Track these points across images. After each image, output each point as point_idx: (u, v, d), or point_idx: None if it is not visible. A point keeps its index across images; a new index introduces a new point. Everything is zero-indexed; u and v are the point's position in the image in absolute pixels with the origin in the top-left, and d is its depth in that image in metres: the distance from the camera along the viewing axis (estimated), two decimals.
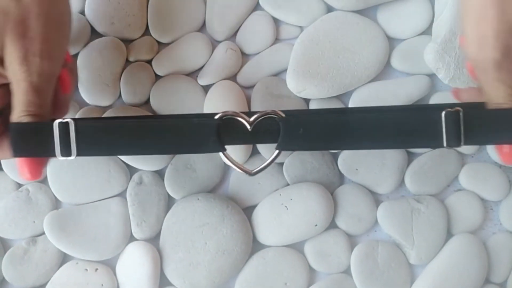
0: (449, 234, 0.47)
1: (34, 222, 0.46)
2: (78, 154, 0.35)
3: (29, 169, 0.36)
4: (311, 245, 0.46)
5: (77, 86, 0.47)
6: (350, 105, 0.48)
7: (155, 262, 0.45)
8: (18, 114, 0.35)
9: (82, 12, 0.49)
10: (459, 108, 0.34)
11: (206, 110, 0.47)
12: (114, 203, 0.47)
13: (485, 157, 0.48)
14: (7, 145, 0.36)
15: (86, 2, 0.49)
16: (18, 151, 0.35)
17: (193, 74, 0.49)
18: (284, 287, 0.45)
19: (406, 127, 0.35)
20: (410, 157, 0.48)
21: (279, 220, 0.46)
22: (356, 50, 0.47)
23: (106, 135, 0.35)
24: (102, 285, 0.45)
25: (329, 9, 0.49)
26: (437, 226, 0.46)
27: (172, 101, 0.48)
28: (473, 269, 0.45)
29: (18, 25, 0.34)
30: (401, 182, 0.47)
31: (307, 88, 0.47)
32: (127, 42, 0.49)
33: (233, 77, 0.49)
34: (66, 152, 0.35)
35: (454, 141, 0.34)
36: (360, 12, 0.49)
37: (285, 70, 0.48)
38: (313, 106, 0.48)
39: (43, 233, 0.46)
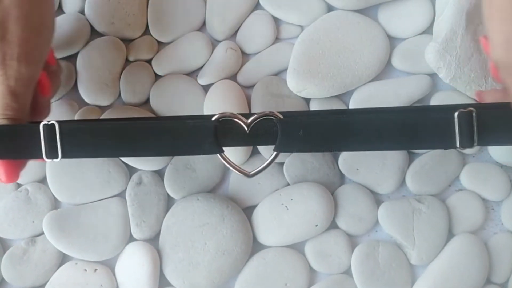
0: (450, 234, 0.46)
1: (33, 222, 0.46)
2: (64, 156, 0.35)
3: (5, 171, 0.35)
4: (312, 245, 0.46)
5: (75, 86, 0.47)
6: (350, 105, 0.48)
7: (155, 262, 0.45)
8: None
9: (82, 12, 0.49)
10: (472, 109, 0.34)
11: (206, 109, 0.47)
12: (113, 203, 0.46)
13: (486, 157, 0.48)
14: None
15: (86, 2, 0.49)
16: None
17: (193, 74, 0.49)
18: (284, 287, 0.45)
19: (416, 128, 0.34)
20: (411, 157, 0.47)
21: (279, 220, 0.45)
22: (357, 50, 0.47)
23: (92, 137, 0.35)
24: (101, 285, 0.45)
25: (330, 8, 0.49)
26: (438, 226, 0.46)
27: (172, 100, 0.47)
28: (474, 269, 0.45)
29: None
30: (402, 182, 0.47)
31: (307, 88, 0.47)
32: (127, 41, 0.49)
33: (233, 77, 0.49)
34: (52, 154, 0.35)
35: (467, 142, 0.34)
36: (360, 11, 0.49)
37: (286, 69, 0.48)
38: (313, 105, 0.48)
39: (42, 233, 0.46)
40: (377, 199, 0.47)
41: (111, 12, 0.48)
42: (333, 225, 0.46)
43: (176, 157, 0.47)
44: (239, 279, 0.46)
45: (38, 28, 0.36)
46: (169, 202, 0.47)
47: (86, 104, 0.47)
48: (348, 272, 0.46)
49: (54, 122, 0.35)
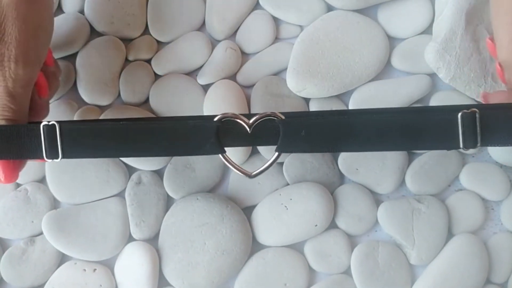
0: (449, 234, 0.46)
1: (32, 222, 0.46)
2: (64, 157, 0.35)
3: (4, 171, 0.35)
4: (311, 245, 0.46)
5: (75, 85, 0.47)
6: (350, 105, 0.48)
7: (154, 262, 0.45)
8: None
9: (82, 12, 0.49)
10: (475, 110, 0.34)
11: (206, 109, 0.47)
12: (112, 203, 0.46)
13: (486, 157, 0.48)
14: None
15: (86, 2, 0.49)
16: None
17: (192, 73, 0.49)
18: (283, 287, 0.45)
19: (418, 129, 0.34)
20: (411, 157, 0.47)
21: (279, 220, 0.45)
22: (357, 49, 0.47)
23: (93, 138, 0.35)
24: (101, 285, 0.45)
25: (329, 8, 0.49)
26: (438, 226, 0.46)
27: (171, 100, 0.47)
28: (473, 269, 0.45)
29: None
30: (402, 182, 0.47)
31: (307, 88, 0.46)
32: (127, 41, 0.49)
33: (232, 77, 0.49)
34: (53, 154, 0.35)
35: (471, 142, 0.34)
36: (360, 11, 0.49)
37: (285, 69, 0.48)
38: (313, 105, 0.48)
39: (42, 233, 0.46)
40: (376, 199, 0.47)
41: (110, 12, 0.48)
42: (332, 225, 0.46)
43: (175, 157, 0.47)
44: (238, 279, 0.45)
45: (35, 29, 0.36)
46: (168, 202, 0.47)
47: (86, 104, 0.47)
48: (347, 272, 0.46)
49: (54, 122, 0.35)
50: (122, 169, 0.47)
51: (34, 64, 0.37)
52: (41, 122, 0.35)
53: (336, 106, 0.48)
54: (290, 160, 0.47)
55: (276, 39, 0.50)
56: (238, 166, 0.38)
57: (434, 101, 0.48)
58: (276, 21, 0.50)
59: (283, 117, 0.36)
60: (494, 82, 0.46)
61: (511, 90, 0.36)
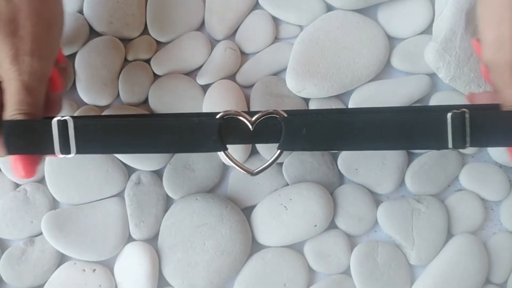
0: (449, 235, 0.46)
1: (31, 222, 0.46)
2: (78, 152, 0.35)
3: (23, 167, 0.35)
4: (311, 245, 0.46)
5: (74, 85, 0.47)
6: (350, 105, 0.48)
7: (154, 263, 0.45)
8: (11, 113, 0.35)
9: (81, 11, 0.49)
10: (465, 110, 0.34)
11: (205, 109, 0.47)
12: (112, 203, 0.46)
13: (485, 157, 0.48)
14: (0, 144, 0.36)
15: (85, 1, 0.48)
16: (11, 149, 0.35)
17: (192, 74, 0.49)
18: (283, 287, 0.45)
19: (411, 128, 0.34)
20: (411, 157, 0.47)
21: (278, 220, 0.45)
22: (356, 49, 0.47)
23: (105, 133, 0.35)
24: (100, 285, 0.45)
25: (329, 8, 0.49)
26: (437, 226, 0.46)
27: (170, 100, 0.47)
28: (473, 269, 0.45)
29: (8, 23, 0.34)
30: (401, 182, 0.47)
31: (307, 88, 0.46)
32: (126, 41, 0.48)
33: (232, 77, 0.49)
34: (65, 149, 0.35)
35: (460, 143, 0.34)
36: (360, 11, 0.49)
37: (285, 69, 0.48)
38: (312, 105, 0.48)
39: (41, 233, 0.46)
40: (376, 199, 0.47)
41: (109, 12, 0.48)
42: (332, 225, 0.46)
43: (175, 157, 0.47)
44: (238, 279, 0.45)
45: (48, 23, 0.37)
46: (168, 202, 0.47)
47: (85, 104, 0.47)
48: (347, 272, 0.46)
49: (68, 117, 0.35)
50: (121, 169, 0.47)
51: (48, 58, 0.37)
52: (53, 118, 0.35)
53: (336, 106, 0.48)
54: (290, 160, 0.47)
55: (276, 39, 0.50)
56: (240, 163, 0.38)
57: (434, 101, 0.48)
58: (275, 21, 0.50)
59: (286, 115, 0.36)
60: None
61: (497, 91, 0.36)
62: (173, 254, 0.45)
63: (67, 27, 0.48)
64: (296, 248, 0.46)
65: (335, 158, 0.47)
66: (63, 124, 0.35)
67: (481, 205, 0.47)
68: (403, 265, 0.46)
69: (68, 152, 0.35)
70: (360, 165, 0.47)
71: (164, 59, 0.48)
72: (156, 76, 0.48)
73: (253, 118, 0.36)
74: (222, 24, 0.49)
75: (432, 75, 0.48)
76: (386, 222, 0.46)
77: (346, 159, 0.47)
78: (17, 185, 0.47)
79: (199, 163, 0.47)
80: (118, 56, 0.48)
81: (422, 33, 0.49)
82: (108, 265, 0.46)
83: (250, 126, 0.36)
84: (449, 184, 0.47)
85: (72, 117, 0.35)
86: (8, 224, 0.46)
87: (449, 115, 0.34)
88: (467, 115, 0.34)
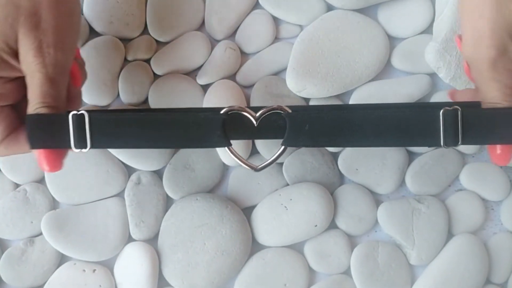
0: (449, 235, 0.46)
1: (31, 222, 0.46)
2: (93, 146, 0.35)
3: (47, 161, 0.35)
4: (311, 245, 0.46)
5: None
6: None
7: (154, 263, 0.45)
8: (35, 106, 0.35)
9: (81, 11, 0.49)
10: (457, 107, 0.34)
11: None
12: (112, 203, 0.46)
13: (486, 157, 0.48)
14: (24, 139, 0.36)
15: (85, 1, 0.48)
16: (35, 143, 0.35)
17: (192, 73, 0.49)
18: (283, 287, 0.45)
19: (405, 125, 0.34)
20: (411, 157, 0.47)
21: (278, 220, 0.45)
22: (357, 49, 0.47)
23: (118, 127, 0.35)
24: (100, 286, 0.45)
25: (329, 7, 0.49)
26: (438, 226, 0.46)
27: (170, 100, 0.47)
28: (474, 269, 0.45)
29: (30, 17, 0.34)
30: (402, 182, 0.47)
31: (307, 88, 0.46)
32: (126, 41, 0.48)
33: (232, 76, 0.49)
34: (81, 144, 0.35)
35: (452, 140, 0.34)
36: (360, 10, 0.49)
37: (285, 69, 0.48)
38: None
39: (41, 234, 0.46)
40: (376, 199, 0.47)
41: (109, 12, 0.48)
42: (332, 225, 0.46)
43: (175, 157, 0.47)
44: (238, 280, 0.45)
45: (69, 16, 0.37)
46: (168, 202, 0.47)
47: (85, 103, 0.47)
48: (347, 272, 0.46)
49: (83, 111, 0.35)
50: (121, 169, 0.47)
51: (69, 51, 0.37)
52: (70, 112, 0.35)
53: None
54: (290, 160, 0.47)
55: (276, 38, 0.50)
56: (244, 159, 0.38)
57: (434, 101, 0.47)
58: (275, 20, 0.50)
59: (290, 111, 0.36)
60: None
61: (477, 88, 0.36)
62: (173, 254, 0.45)
63: None
64: (297, 248, 0.46)
65: (335, 158, 0.47)
66: (78, 118, 0.35)
67: (481, 205, 0.47)
68: (403, 265, 0.46)
69: (84, 146, 0.35)
70: (360, 165, 0.47)
71: (164, 59, 0.48)
72: (156, 76, 0.48)
73: (257, 114, 0.36)
74: (222, 23, 0.49)
75: (433, 75, 0.48)
76: (386, 222, 0.46)
77: (347, 159, 0.47)
78: (17, 185, 0.47)
79: (199, 163, 0.47)
80: (118, 56, 0.48)
81: (422, 32, 0.49)
82: (108, 265, 0.46)
83: (254, 122, 0.36)
84: (449, 184, 0.47)
85: (88, 111, 0.35)
86: (8, 224, 0.46)
87: (441, 112, 0.34)
88: (459, 112, 0.34)
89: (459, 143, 0.34)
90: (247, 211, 0.47)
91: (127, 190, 0.46)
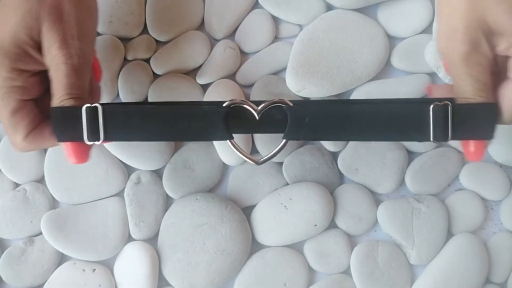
0: (449, 234, 0.46)
1: (31, 222, 0.46)
2: (106, 139, 0.35)
3: (74, 153, 0.36)
4: (311, 245, 0.46)
5: None
6: None
7: (153, 263, 0.45)
8: (60, 98, 0.35)
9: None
10: (447, 102, 0.34)
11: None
12: (112, 203, 0.46)
13: (486, 156, 0.48)
14: (48, 133, 0.36)
15: None
16: (61, 136, 0.35)
17: (191, 73, 0.49)
18: (283, 287, 0.45)
19: (397, 120, 0.35)
20: (411, 157, 0.47)
21: (278, 220, 0.45)
22: (356, 49, 0.47)
23: (129, 120, 0.36)
24: (100, 285, 0.45)
25: (329, 7, 0.49)
26: (438, 226, 0.46)
27: (170, 100, 0.47)
28: (473, 269, 0.45)
29: (53, 10, 0.35)
30: (402, 182, 0.47)
31: (306, 87, 0.46)
32: (125, 40, 0.48)
33: (232, 76, 0.49)
34: (94, 136, 0.35)
35: (442, 135, 0.34)
36: (360, 10, 0.49)
37: (285, 68, 0.48)
38: None
39: (41, 233, 0.46)
40: (376, 199, 0.47)
41: (109, 11, 0.48)
42: (332, 225, 0.46)
43: (175, 157, 0.47)
44: (238, 279, 0.45)
45: (89, 9, 0.38)
46: (168, 201, 0.47)
47: None
48: (347, 272, 0.46)
49: (97, 104, 0.35)
50: (121, 169, 0.47)
51: (91, 42, 0.38)
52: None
53: None
54: (290, 160, 0.47)
55: (276, 38, 0.49)
56: (246, 152, 0.38)
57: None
58: (275, 20, 0.49)
59: (291, 104, 0.36)
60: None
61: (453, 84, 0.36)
62: (173, 254, 0.45)
63: None
64: (296, 247, 0.46)
65: (335, 157, 0.47)
66: (92, 111, 0.35)
67: (481, 204, 0.47)
68: (403, 264, 0.46)
69: (97, 139, 0.35)
70: (360, 164, 0.47)
71: (164, 58, 0.48)
72: (155, 76, 0.48)
73: (259, 107, 0.36)
74: (221, 23, 0.49)
75: (432, 74, 0.48)
76: (386, 222, 0.46)
77: (346, 159, 0.47)
78: (16, 185, 0.47)
79: (199, 163, 0.47)
80: (118, 55, 0.48)
81: (422, 32, 0.49)
82: (108, 265, 0.46)
83: (256, 115, 0.37)
84: (449, 183, 0.47)
85: (101, 104, 0.35)
86: (8, 223, 0.46)
87: (431, 107, 0.34)
88: (450, 108, 0.34)
89: (449, 138, 0.34)
90: (247, 210, 0.47)
91: (126, 189, 0.46)
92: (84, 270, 0.45)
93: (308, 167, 0.47)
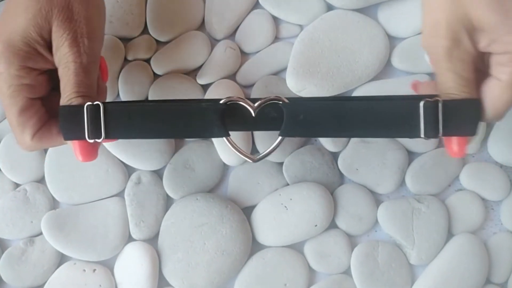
0: (449, 234, 0.46)
1: (31, 222, 0.46)
2: (107, 137, 0.35)
3: (81, 151, 0.36)
4: (311, 245, 0.46)
5: None
6: None
7: (154, 263, 0.45)
8: (69, 96, 0.35)
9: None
10: (438, 98, 0.34)
11: None
12: (112, 203, 0.46)
13: (486, 156, 0.48)
14: (55, 131, 0.37)
15: None
16: (67, 134, 0.36)
17: (192, 73, 0.49)
18: (283, 287, 0.45)
19: (388, 117, 0.35)
20: (411, 157, 0.47)
21: (278, 220, 0.45)
22: (357, 49, 0.47)
23: (129, 118, 0.36)
24: (100, 285, 0.45)
25: (329, 7, 0.49)
26: (438, 226, 0.46)
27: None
28: (473, 269, 0.45)
29: (63, 9, 0.36)
30: (402, 182, 0.47)
31: (307, 87, 0.46)
32: (126, 40, 0.48)
33: (232, 76, 0.49)
34: (95, 134, 0.35)
35: (432, 132, 0.34)
36: (360, 10, 0.49)
37: (285, 69, 0.48)
38: None
39: (41, 233, 0.46)
40: (376, 199, 0.47)
41: (109, 11, 0.48)
42: (332, 225, 0.46)
43: (175, 157, 0.47)
44: (238, 279, 0.45)
45: (97, 8, 0.38)
46: (168, 202, 0.47)
47: None
48: (347, 272, 0.46)
49: (98, 102, 0.35)
50: (121, 169, 0.47)
51: (100, 41, 0.39)
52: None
53: None
54: (290, 160, 0.47)
55: (276, 38, 0.49)
56: (242, 150, 0.38)
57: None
58: (275, 20, 0.49)
59: (287, 101, 0.36)
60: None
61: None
62: (173, 254, 0.45)
63: None
64: (297, 248, 0.46)
65: (335, 157, 0.47)
66: (93, 109, 0.35)
67: (481, 204, 0.47)
68: (403, 265, 0.46)
69: (98, 137, 0.35)
70: (360, 164, 0.47)
71: (164, 58, 0.48)
72: (156, 76, 0.48)
73: (256, 104, 0.36)
74: (222, 23, 0.49)
75: (432, 75, 0.47)
76: (386, 222, 0.46)
77: (346, 159, 0.47)
78: (17, 185, 0.47)
79: (199, 163, 0.47)
80: (118, 55, 0.48)
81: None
82: (108, 265, 0.46)
83: (253, 112, 0.37)
84: (449, 183, 0.47)
85: (102, 102, 0.35)
86: (8, 224, 0.46)
87: (421, 103, 0.34)
88: (440, 104, 0.34)
89: (440, 134, 0.34)
90: (247, 210, 0.47)
91: (127, 189, 0.46)
92: (84, 270, 0.45)
93: (308, 167, 0.47)
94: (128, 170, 0.47)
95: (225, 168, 0.48)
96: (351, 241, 0.46)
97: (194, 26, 0.49)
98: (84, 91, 0.36)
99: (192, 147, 0.47)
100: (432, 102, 0.34)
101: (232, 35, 0.49)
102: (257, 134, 0.47)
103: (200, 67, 0.48)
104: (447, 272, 0.45)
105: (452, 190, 0.47)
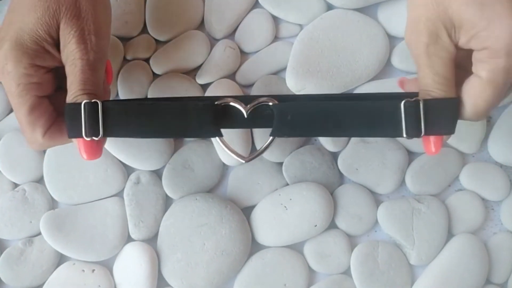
0: (449, 234, 0.46)
1: (30, 222, 0.46)
2: (105, 135, 0.35)
3: (85, 149, 0.36)
4: (311, 245, 0.46)
5: None
6: None
7: (153, 263, 0.45)
8: (74, 94, 0.35)
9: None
10: (418, 98, 0.34)
11: None
12: (111, 203, 0.46)
13: (486, 156, 0.48)
14: (65, 129, 0.36)
15: None
16: (71, 132, 0.36)
17: (191, 73, 0.48)
18: (283, 287, 0.45)
19: (371, 116, 0.35)
20: (411, 157, 0.47)
21: (278, 220, 0.45)
22: (357, 49, 0.47)
23: (126, 116, 0.36)
24: (99, 286, 0.45)
25: (329, 7, 0.49)
26: (438, 226, 0.46)
27: None
28: (474, 269, 0.45)
29: (71, 7, 0.36)
30: (402, 182, 0.47)
31: (306, 87, 0.46)
32: (125, 40, 0.48)
33: (232, 76, 0.48)
34: (92, 132, 0.35)
35: (414, 131, 0.34)
36: (360, 10, 0.49)
37: (285, 68, 0.48)
38: None
39: (40, 234, 0.45)
40: (376, 199, 0.47)
41: None
42: (332, 225, 0.46)
43: (174, 157, 0.47)
44: (238, 280, 0.45)
45: (104, 6, 0.39)
46: (167, 202, 0.47)
47: None
48: (347, 272, 0.46)
49: (96, 100, 0.35)
50: (120, 169, 0.47)
51: (107, 39, 0.39)
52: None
53: None
54: (290, 160, 0.47)
55: (276, 38, 0.49)
56: (234, 150, 0.38)
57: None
58: (275, 20, 0.49)
59: (277, 102, 0.37)
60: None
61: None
62: (172, 254, 0.45)
63: None
64: (296, 248, 0.46)
65: (335, 157, 0.47)
66: (91, 107, 0.35)
67: (481, 205, 0.47)
68: (403, 265, 0.46)
69: (96, 135, 0.35)
70: (360, 165, 0.47)
71: (163, 58, 0.48)
72: (155, 76, 0.48)
73: (248, 105, 0.37)
74: (221, 23, 0.49)
75: None
76: (386, 222, 0.46)
77: (346, 159, 0.47)
78: (15, 185, 0.47)
79: (199, 163, 0.47)
80: (117, 55, 0.47)
81: None
82: (107, 266, 0.46)
83: (245, 113, 0.37)
84: (449, 184, 0.47)
85: (101, 101, 0.35)
86: (7, 224, 0.46)
87: (402, 103, 0.34)
88: (421, 103, 0.34)
89: (422, 134, 0.34)
90: (247, 211, 0.47)
91: (126, 189, 0.46)
92: (83, 270, 0.45)
93: (308, 167, 0.47)
94: (127, 170, 0.47)
95: (224, 168, 0.47)
96: (351, 241, 0.46)
97: (193, 25, 0.49)
98: (90, 89, 0.36)
99: (192, 147, 0.47)
100: (412, 102, 0.34)
101: (231, 34, 0.49)
102: (257, 134, 0.47)
103: (200, 66, 0.48)
104: (447, 272, 0.45)
105: (452, 190, 0.47)
